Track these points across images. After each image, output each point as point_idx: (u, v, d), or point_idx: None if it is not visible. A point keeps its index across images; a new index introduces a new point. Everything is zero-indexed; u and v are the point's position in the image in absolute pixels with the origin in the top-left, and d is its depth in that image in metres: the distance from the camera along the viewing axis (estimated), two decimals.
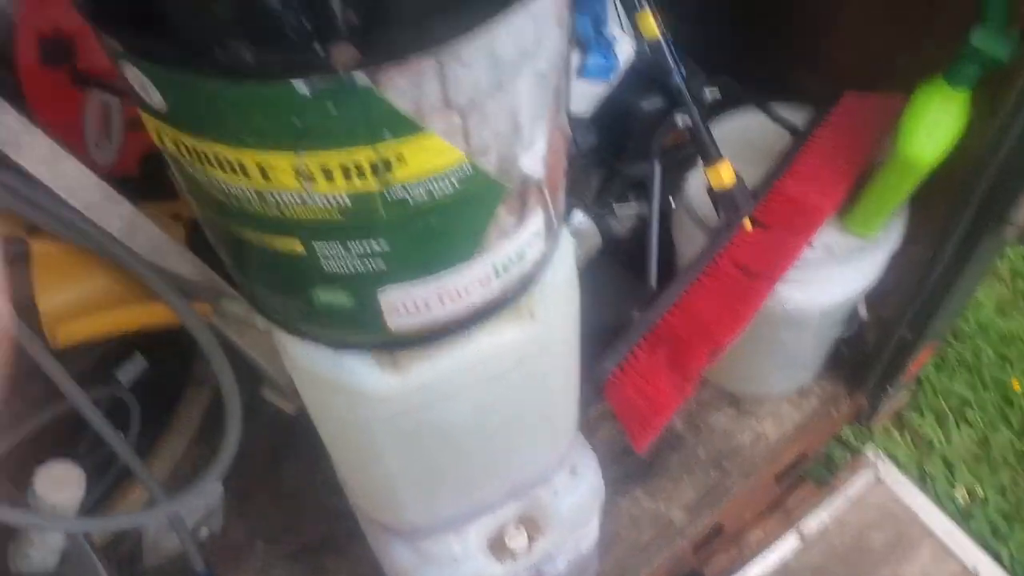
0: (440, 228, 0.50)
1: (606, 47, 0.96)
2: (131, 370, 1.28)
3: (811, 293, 1.14)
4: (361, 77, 0.39)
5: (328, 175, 0.44)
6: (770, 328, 1.22)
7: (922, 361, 1.36)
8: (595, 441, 1.38)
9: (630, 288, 1.17)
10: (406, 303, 0.56)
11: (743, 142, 1.18)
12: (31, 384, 1.23)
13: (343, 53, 0.38)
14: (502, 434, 0.77)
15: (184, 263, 0.85)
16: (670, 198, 1.20)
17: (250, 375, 1.04)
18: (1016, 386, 1.64)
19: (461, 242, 0.53)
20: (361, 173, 0.45)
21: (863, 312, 1.27)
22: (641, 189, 1.17)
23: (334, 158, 0.43)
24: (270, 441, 1.43)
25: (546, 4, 0.44)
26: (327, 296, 0.55)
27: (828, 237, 1.13)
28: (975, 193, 1.01)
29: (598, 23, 0.93)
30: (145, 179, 0.91)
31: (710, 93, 1.06)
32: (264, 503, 1.37)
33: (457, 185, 0.48)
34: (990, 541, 1.42)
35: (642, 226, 1.20)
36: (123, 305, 0.83)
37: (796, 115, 1.21)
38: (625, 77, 1.00)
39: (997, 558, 1.30)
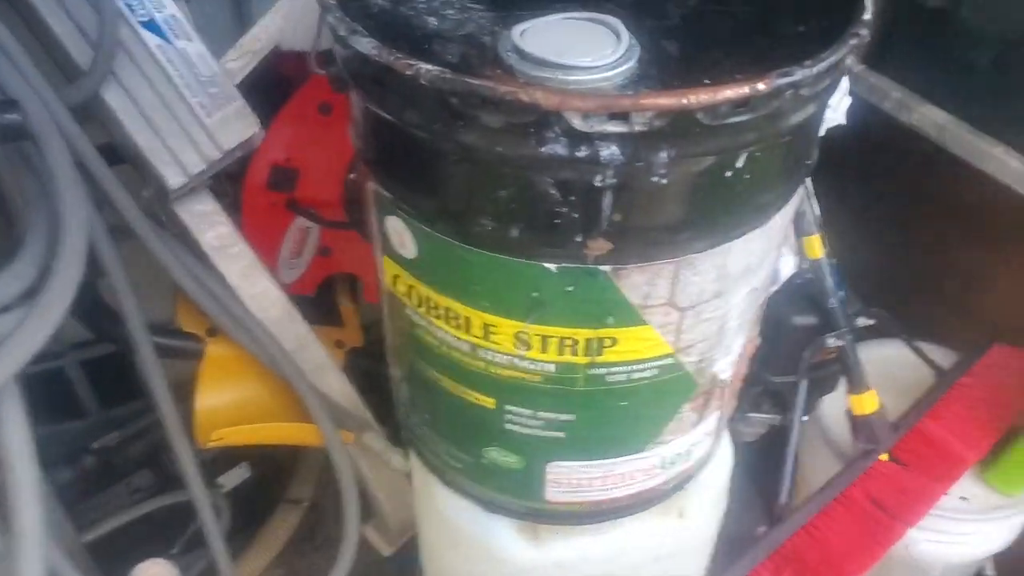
0: (627, 413, 0.52)
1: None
2: (234, 478, 1.30)
3: (940, 544, 1.07)
4: (605, 269, 0.43)
5: (544, 345, 0.48)
6: (887, 572, 1.15)
7: None
8: None
9: (750, 499, 1.14)
10: (571, 479, 0.57)
11: (885, 373, 1.17)
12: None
13: (599, 247, 0.42)
14: None
15: (341, 390, 0.89)
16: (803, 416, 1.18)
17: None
18: None
19: (642, 430, 0.55)
20: (575, 350, 0.47)
21: (991, 573, 1.18)
22: (775, 399, 1.16)
23: (557, 332, 0.47)
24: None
25: (777, 229, 0.48)
26: (499, 456, 0.57)
27: (966, 488, 1.08)
28: None
29: None
30: (315, 301, 0.98)
31: (864, 321, 1.06)
32: None
33: (655, 373, 0.50)
34: None
35: (769, 436, 1.18)
36: (275, 420, 0.87)
37: (941, 357, 1.20)
38: (783, 291, 1.03)
39: None
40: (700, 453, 0.61)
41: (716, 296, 0.47)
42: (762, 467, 1.08)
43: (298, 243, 0.93)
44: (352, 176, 0.89)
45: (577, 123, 0.36)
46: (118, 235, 0.73)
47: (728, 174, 0.41)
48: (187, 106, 0.74)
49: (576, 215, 0.41)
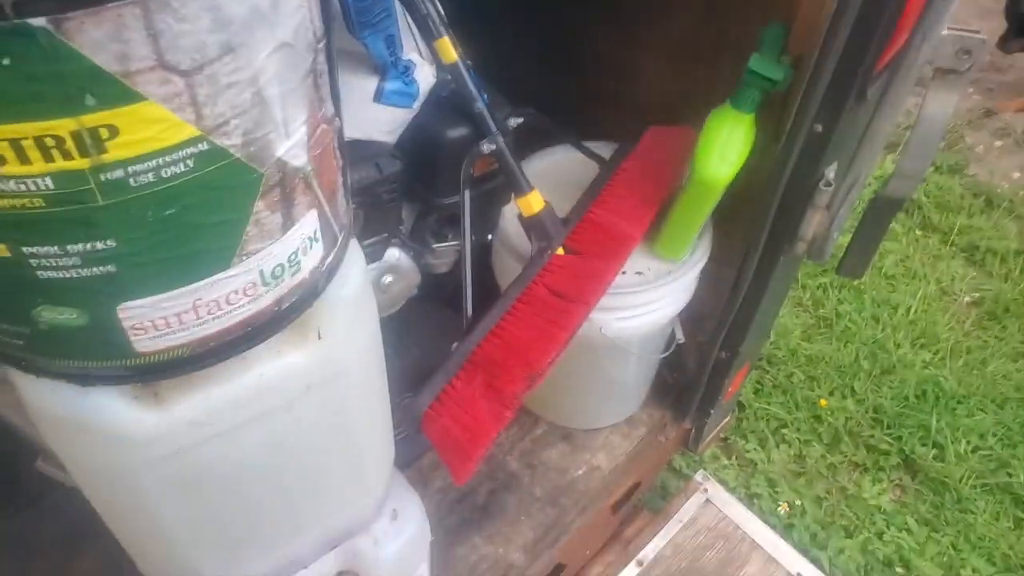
0: (181, 222, 0.44)
1: (404, 72, 0.94)
2: None
3: (629, 319, 1.15)
4: (40, 23, 0.33)
5: (22, 153, 0.37)
6: (593, 357, 1.22)
7: (739, 382, 1.40)
8: (430, 490, 1.32)
9: (453, 326, 1.14)
10: (154, 319, 0.48)
11: (556, 177, 1.20)
12: None
13: None
14: (300, 474, 0.69)
15: None
16: (489, 236, 1.18)
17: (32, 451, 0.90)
18: (823, 404, 1.75)
19: (213, 241, 0.47)
20: (64, 151, 0.38)
21: (680, 335, 1.30)
22: (457, 224, 1.14)
23: (25, 131, 0.37)
24: (62, 529, 1.25)
25: None
26: (52, 314, 0.47)
27: (640, 263, 1.15)
28: (769, 212, 1.07)
29: (392, 46, 0.91)
30: None
31: (514, 121, 1.06)
32: None
33: (193, 166, 0.42)
34: (811, 549, 1.48)
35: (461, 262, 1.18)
36: None
37: (605, 150, 1.24)
38: (428, 105, 0.98)
39: (818, 563, 1.36)
40: (313, 263, 0.55)
41: (227, 52, 0.40)
42: (461, 294, 1.07)
43: None
44: None
45: None
46: None
47: None
48: None
49: None
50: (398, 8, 0.90)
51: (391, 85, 0.94)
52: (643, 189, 1.15)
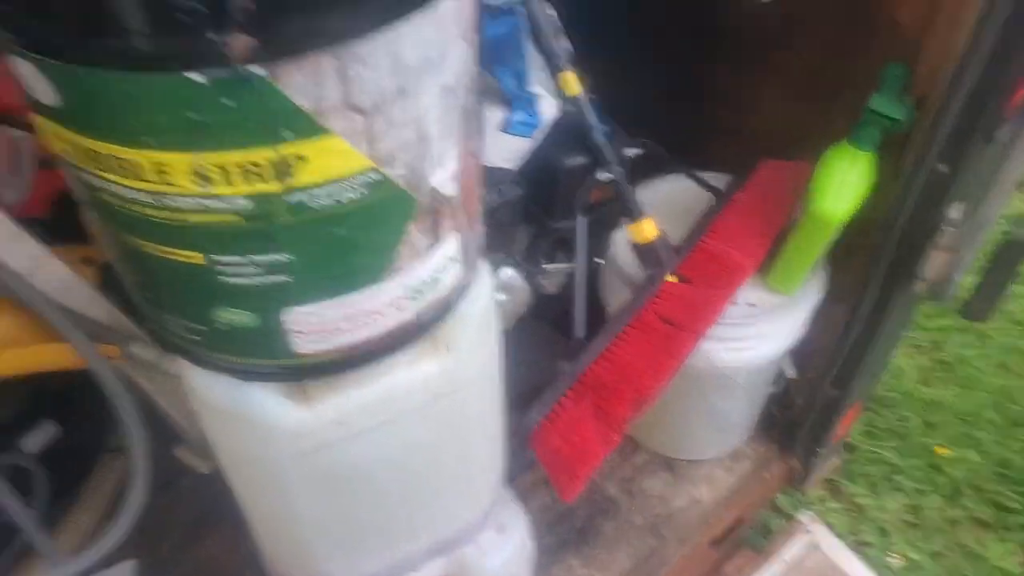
0: (348, 240, 0.50)
1: (529, 104, 0.99)
2: (38, 438, 1.21)
3: (738, 351, 1.15)
4: (258, 70, 0.39)
5: (226, 176, 0.44)
6: (700, 388, 1.23)
7: (849, 421, 1.37)
8: (529, 509, 1.35)
9: (560, 346, 1.17)
10: (314, 325, 0.54)
11: (669, 204, 1.22)
12: None
13: (238, 43, 0.38)
14: (420, 478, 0.74)
15: (93, 305, 0.81)
16: (596, 259, 1.22)
17: (168, 438, 0.99)
18: (942, 452, 1.67)
19: (371, 258, 0.52)
20: (261, 175, 0.44)
21: (789, 371, 1.29)
22: (570, 247, 1.18)
23: (233, 157, 0.43)
24: (191, 512, 1.35)
25: (449, 14, 0.45)
26: (230, 315, 0.53)
27: (752, 295, 1.16)
28: (886, 250, 1.06)
29: (520, 80, 0.97)
30: (56, 222, 0.88)
31: (631, 151, 1.09)
32: None
33: (364, 192, 0.47)
34: None
35: (572, 285, 1.21)
36: (22, 346, 0.79)
37: (718, 181, 1.26)
38: (550, 134, 1.03)
39: None
40: (451, 281, 0.60)
41: (401, 95, 0.45)
42: (571, 315, 1.11)
43: (10, 156, 0.83)
44: None
45: None
46: None
47: None
48: None
49: (199, 4, 0.36)
50: (528, 44, 0.96)
51: (517, 116, 0.99)
52: (757, 221, 1.16)
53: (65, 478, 1.25)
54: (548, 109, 1.01)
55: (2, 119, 0.79)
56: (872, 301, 1.13)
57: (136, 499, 0.81)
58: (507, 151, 1.02)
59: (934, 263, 1.00)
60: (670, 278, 1.07)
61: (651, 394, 0.93)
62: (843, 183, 1.00)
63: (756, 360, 1.18)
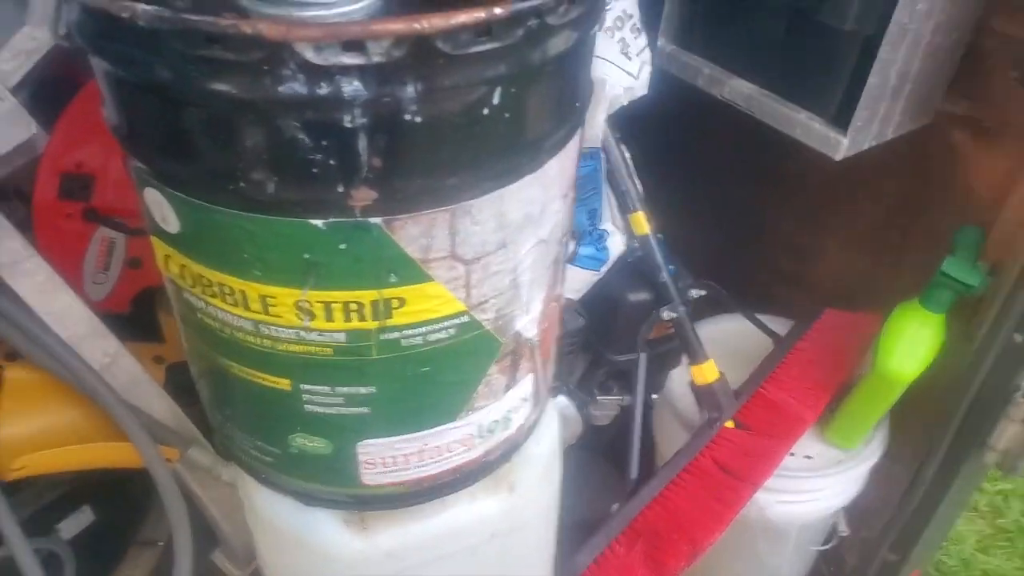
0: (431, 378, 0.50)
1: (599, 240, 1.01)
2: (75, 524, 1.20)
3: (791, 503, 1.11)
4: (375, 220, 0.41)
5: (329, 313, 0.45)
6: (748, 538, 1.18)
7: None
8: None
9: (608, 480, 1.14)
10: (385, 457, 0.54)
11: (726, 346, 1.21)
12: None
13: (362, 195, 0.40)
14: None
15: (160, 405, 0.82)
16: (652, 394, 1.20)
17: (204, 539, 0.98)
18: None
19: (450, 397, 0.53)
20: (361, 313, 0.45)
21: (843, 528, 1.23)
22: (624, 380, 1.18)
23: (338, 296, 0.44)
24: None
25: (553, 175, 0.47)
26: (306, 442, 0.53)
27: (810, 447, 1.13)
28: (955, 415, 1.03)
29: (594, 217, 0.99)
30: (134, 319, 0.91)
31: (695, 293, 1.10)
32: None
33: (452, 333, 0.48)
34: None
35: (623, 417, 1.20)
36: (86, 442, 0.80)
37: (777, 326, 1.25)
38: (615, 269, 1.05)
39: None
40: (521, 421, 0.60)
41: (501, 247, 0.47)
42: (621, 449, 1.09)
43: (103, 256, 0.86)
44: None
45: (311, 56, 0.34)
46: None
47: (485, 111, 0.40)
48: None
49: (333, 162, 0.39)
50: (604, 183, 0.99)
51: (585, 250, 1.01)
52: (819, 372, 1.14)
53: (94, 566, 1.24)
54: (616, 245, 1.03)
55: (103, 221, 0.84)
56: (936, 465, 1.09)
57: None
58: (572, 281, 1.03)
59: (1006, 434, 0.97)
60: (728, 424, 1.05)
61: (706, 547, 0.89)
62: (913, 343, 0.98)
63: (810, 515, 1.14)
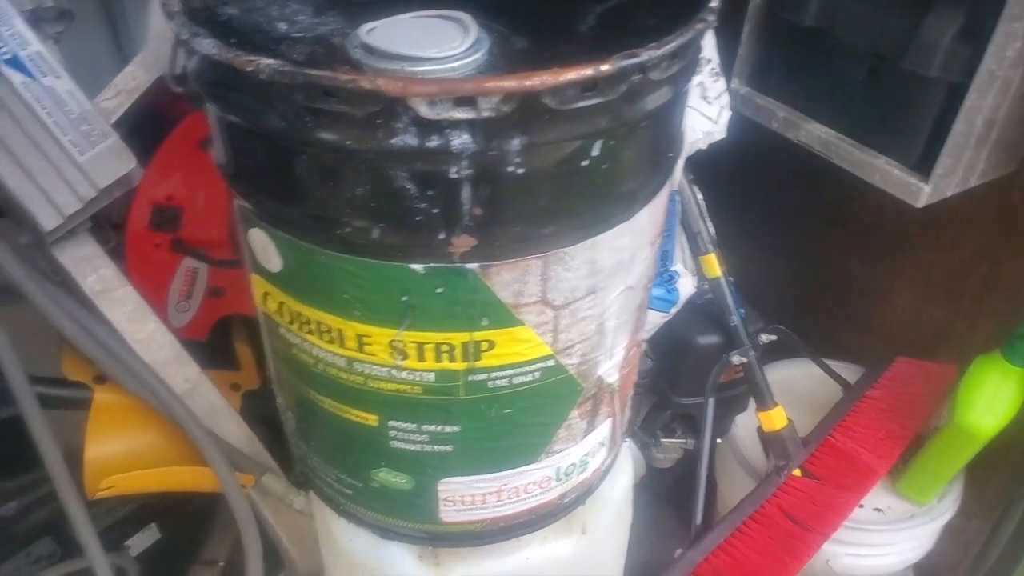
0: (514, 420, 0.51)
1: (670, 281, 1.01)
2: (143, 541, 1.24)
3: (860, 556, 1.08)
4: (472, 265, 0.42)
5: (421, 353, 0.46)
6: None
7: None
8: None
9: (669, 524, 1.13)
10: (464, 495, 0.55)
11: (795, 391, 1.19)
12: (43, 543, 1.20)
13: (462, 242, 0.41)
14: None
15: (237, 432, 0.85)
16: (716, 439, 1.19)
17: (268, 563, 0.99)
18: None
19: (531, 439, 0.53)
20: (451, 354, 0.46)
21: None
22: (688, 423, 1.16)
23: (431, 337, 0.45)
24: None
25: (643, 223, 0.48)
26: (388, 477, 0.54)
27: (880, 500, 1.10)
28: None
29: (666, 259, 0.99)
30: (211, 346, 0.94)
31: (765, 337, 1.08)
32: None
33: (537, 376, 0.49)
34: None
35: (685, 460, 1.18)
36: (168, 465, 0.82)
37: (847, 372, 1.23)
38: (684, 311, 1.04)
39: None
40: (596, 464, 0.60)
41: (590, 293, 0.47)
42: (682, 493, 1.08)
43: (187, 285, 0.90)
44: None
45: (424, 110, 0.36)
46: None
47: (585, 163, 0.41)
48: (57, 144, 0.71)
49: (436, 210, 0.40)
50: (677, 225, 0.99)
51: (655, 292, 1.01)
52: (891, 422, 1.12)
53: None
54: (686, 287, 1.03)
55: (189, 251, 0.87)
56: (1015, 524, 1.04)
57: None
58: None
59: None
60: (795, 472, 1.03)
61: None
62: (993, 397, 0.95)
63: (879, 569, 1.11)
